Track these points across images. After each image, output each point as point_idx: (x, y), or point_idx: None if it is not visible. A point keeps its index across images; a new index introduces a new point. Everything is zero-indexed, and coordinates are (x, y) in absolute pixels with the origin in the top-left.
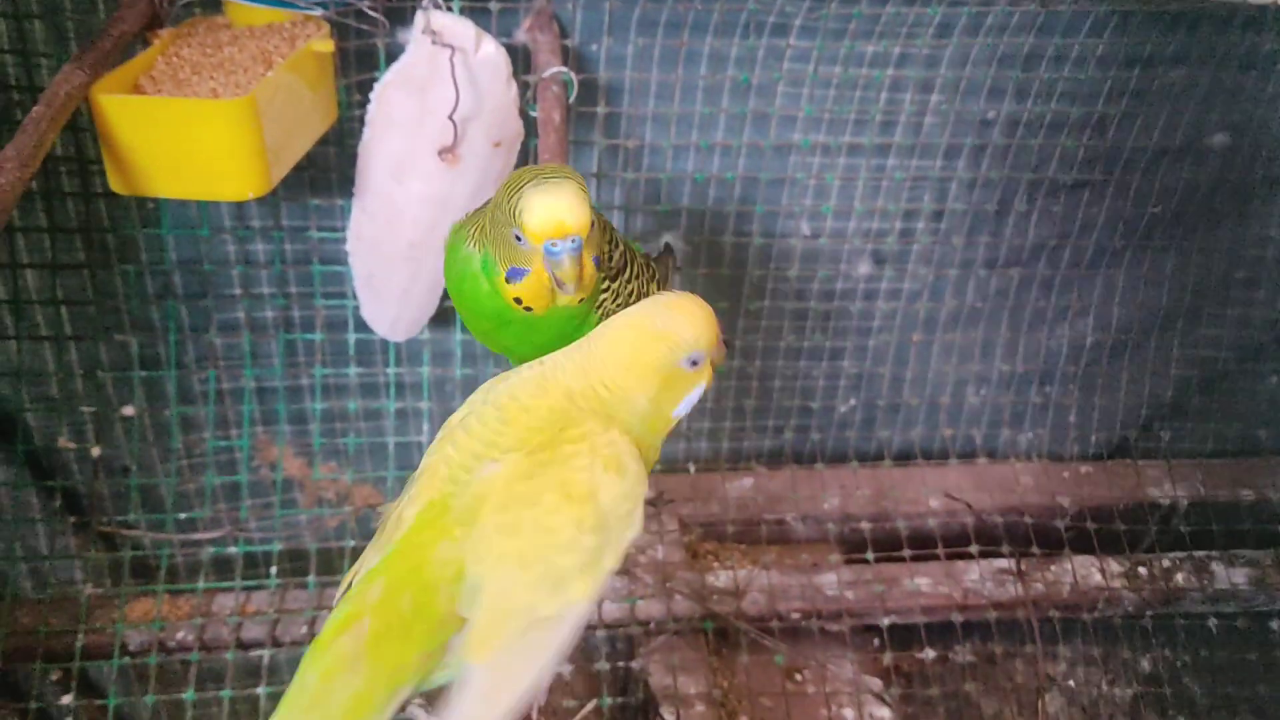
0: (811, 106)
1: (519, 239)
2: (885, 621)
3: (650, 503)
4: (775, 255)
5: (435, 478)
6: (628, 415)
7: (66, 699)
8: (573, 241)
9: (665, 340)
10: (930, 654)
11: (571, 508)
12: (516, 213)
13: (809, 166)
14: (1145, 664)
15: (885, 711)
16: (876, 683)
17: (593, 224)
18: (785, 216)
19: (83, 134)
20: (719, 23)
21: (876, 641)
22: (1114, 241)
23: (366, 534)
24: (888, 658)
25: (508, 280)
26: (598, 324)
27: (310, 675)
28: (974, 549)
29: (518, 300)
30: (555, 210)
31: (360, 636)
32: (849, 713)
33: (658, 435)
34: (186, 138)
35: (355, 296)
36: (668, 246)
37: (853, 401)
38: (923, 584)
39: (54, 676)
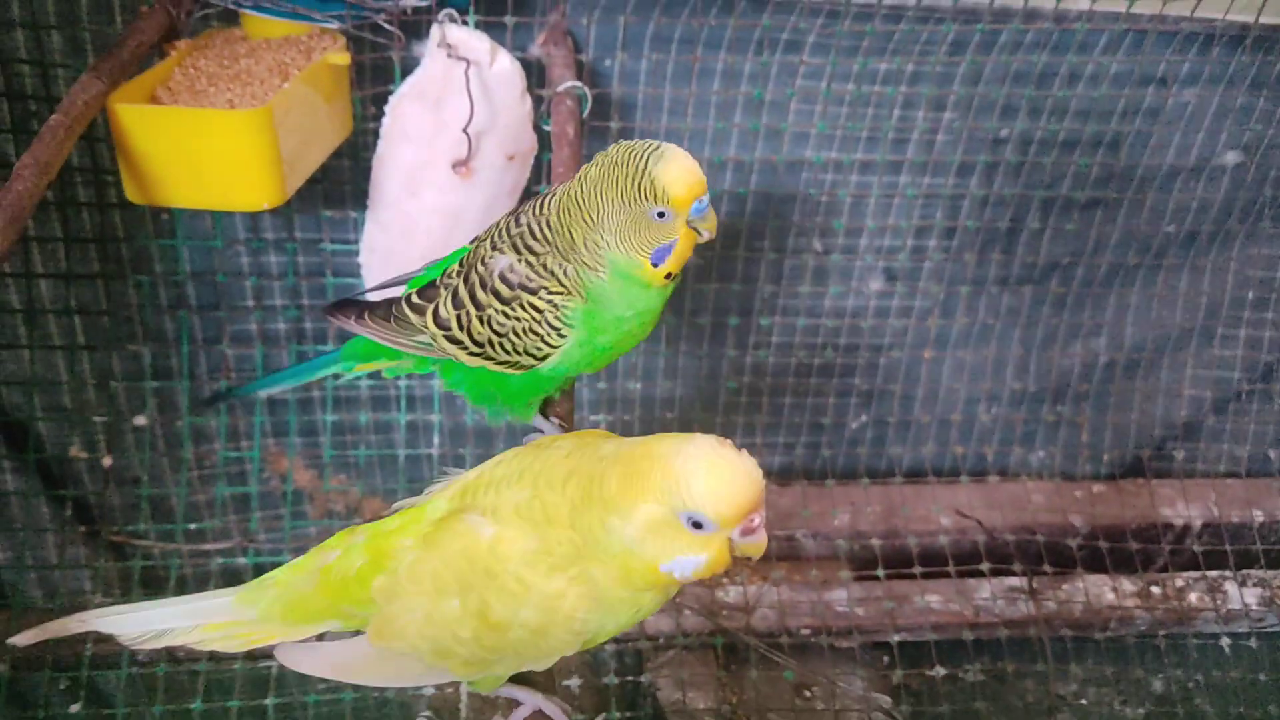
0: (824, 123)
1: (662, 215)
2: (895, 639)
3: None
4: (787, 271)
5: (474, 479)
6: (606, 538)
7: (75, 708)
8: (709, 193)
9: (669, 478)
10: (940, 671)
11: (480, 627)
12: (657, 191)
13: (821, 183)
14: (1157, 684)
15: None
16: (886, 700)
17: None
18: (797, 233)
19: (99, 144)
20: (732, 39)
21: (886, 659)
22: (1127, 260)
23: None
24: (897, 675)
25: (656, 264)
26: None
27: (300, 562)
28: (985, 567)
29: (669, 276)
30: (692, 170)
31: (326, 561)
32: None
33: (640, 582)
34: (203, 148)
35: None
36: None
37: (864, 418)
38: (933, 601)
39: (62, 685)
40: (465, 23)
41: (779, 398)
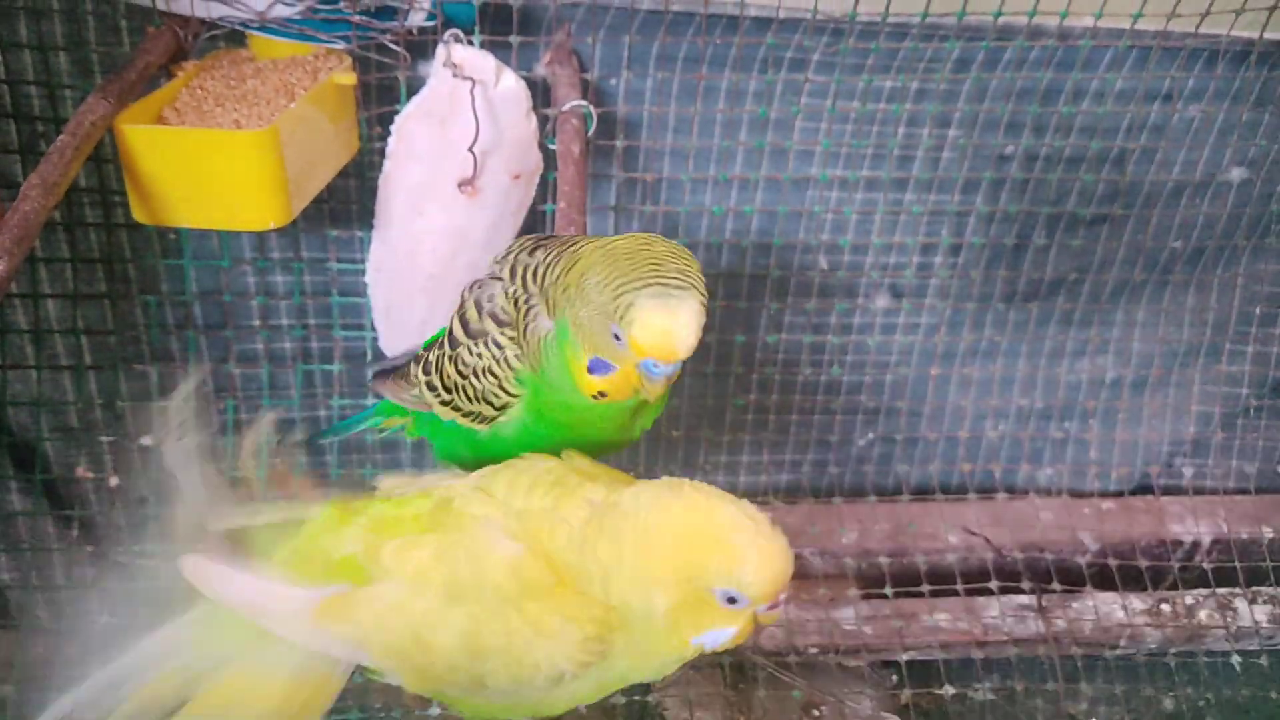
0: (829, 140)
1: (618, 339)
2: (904, 657)
3: None
4: (793, 288)
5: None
6: (642, 607)
7: None
8: (676, 366)
9: (718, 555)
10: (950, 690)
11: (458, 647)
12: (626, 321)
13: (827, 200)
14: (1168, 702)
15: None
16: (895, 719)
17: None
18: (803, 250)
19: (106, 165)
20: (737, 57)
21: (895, 677)
22: (1133, 276)
23: None
24: (906, 694)
25: (590, 371)
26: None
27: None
28: (994, 584)
29: (600, 394)
30: (674, 334)
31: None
32: None
33: (668, 652)
34: (209, 168)
35: (374, 328)
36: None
37: (870, 435)
38: (942, 619)
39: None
40: (470, 42)
41: (786, 415)
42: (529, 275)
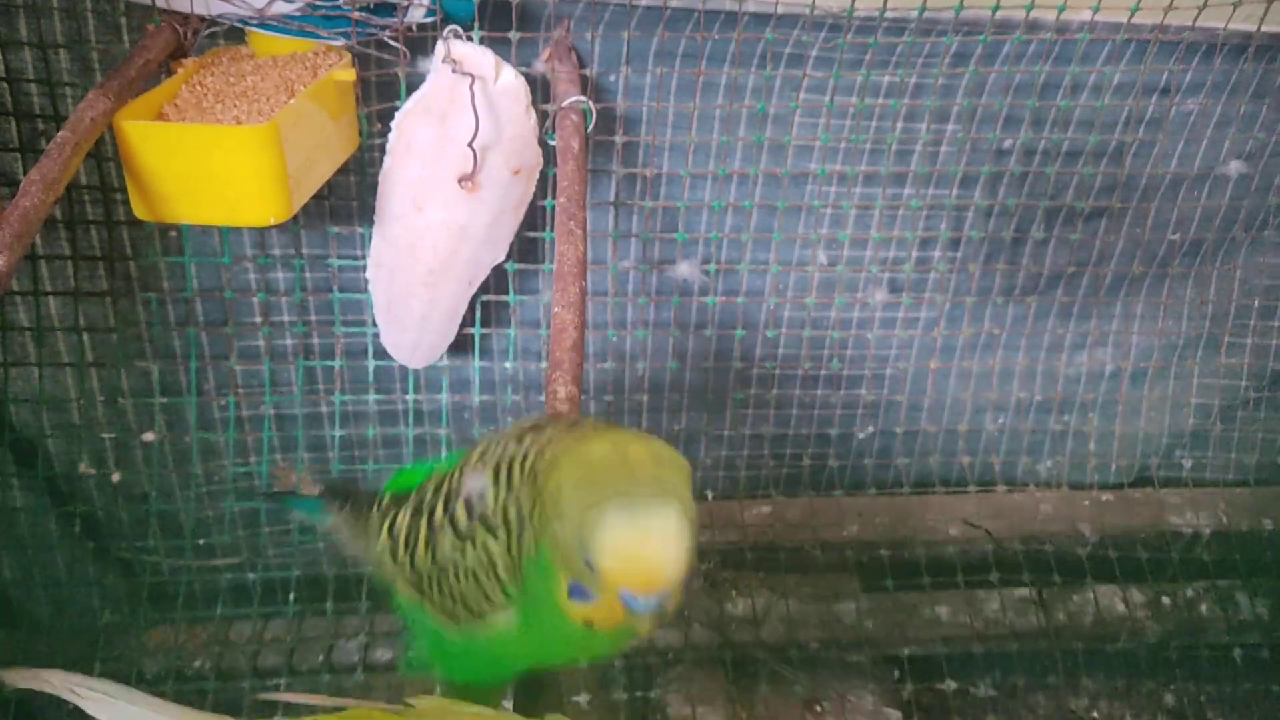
0: (828, 135)
1: (589, 566)
2: (905, 652)
3: None
4: (792, 283)
5: None
6: None
7: None
8: (660, 596)
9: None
10: (951, 685)
11: None
12: (591, 543)
13: (825, 195)
14: (1169, 697)
15: None
16: (897, 715)
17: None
18: (802, 245)
19: (106, 162)
20: (736, 53)
21: (897, 672)
22: (1132, 269)
23: None
24: (908, 689)
25: (571, 595)
26: None
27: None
28: (994, 577)
29: (587, 622)
30: (648, 562)
31: None
32: None
33: None
34: (209, 164)
35: (374, 324)
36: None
37: (870, 429)
38: (943, 613)
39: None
40: (470, 39)
41: (785, 409)
42: (514, 469)
